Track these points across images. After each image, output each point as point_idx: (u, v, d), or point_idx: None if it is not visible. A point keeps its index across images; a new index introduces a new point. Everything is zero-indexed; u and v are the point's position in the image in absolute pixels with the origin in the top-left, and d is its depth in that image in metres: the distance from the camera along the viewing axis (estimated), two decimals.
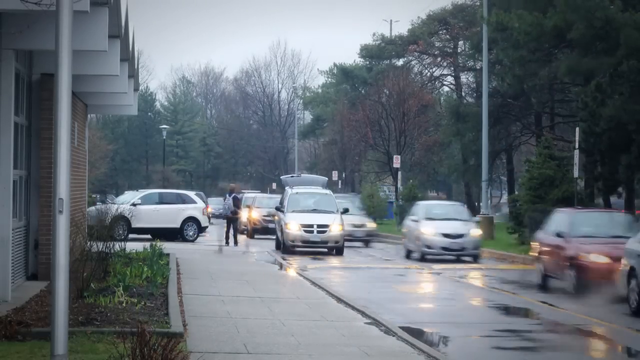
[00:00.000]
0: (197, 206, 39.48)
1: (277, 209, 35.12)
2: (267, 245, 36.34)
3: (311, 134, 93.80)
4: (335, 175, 68.75)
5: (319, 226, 31.85)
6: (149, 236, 35.71)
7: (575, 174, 30.41)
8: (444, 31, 70.92)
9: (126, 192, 53.04)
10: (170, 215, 38.43)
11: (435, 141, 65.06)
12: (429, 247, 29.77)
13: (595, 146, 32.43)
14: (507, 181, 64.64)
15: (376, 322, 14.81)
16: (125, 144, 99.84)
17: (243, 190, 59.74)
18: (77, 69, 14.61)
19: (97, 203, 39.06)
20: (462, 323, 16.03)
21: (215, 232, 39.19)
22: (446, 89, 75.95)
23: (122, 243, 20.99)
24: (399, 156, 55.82)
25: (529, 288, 22.28)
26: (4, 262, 15.06)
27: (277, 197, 42.81)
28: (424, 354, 12.14)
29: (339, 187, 75.07)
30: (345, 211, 34.94)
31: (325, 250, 32.51)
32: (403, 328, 14.33)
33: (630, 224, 21.72)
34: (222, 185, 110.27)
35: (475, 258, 30.05)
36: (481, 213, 43.34)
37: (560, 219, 22.74)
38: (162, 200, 39.56)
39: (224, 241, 34.75)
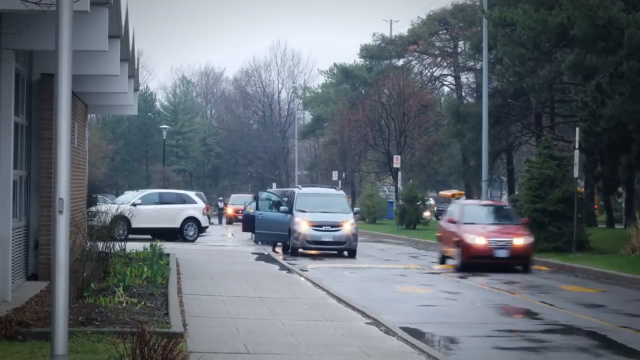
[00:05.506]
0: (197, 206, 39.51)
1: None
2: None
3: (311, 134, 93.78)
4: (335, 175, 68.74)
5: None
6: (149, 236, 35.71)
7: (575, 174, 30.40)
8: (444, 31, 70.94)
9: (126, 192, 53.06)
10: (170, 215, 38.44)
11: (436, 141, 65.05)
12: None
13: (595, 146, 32.43)
14: (507, 181, 64.59)
15: (376, 322, 14.81)
16: (125, 144, 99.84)
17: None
18: (77, 69, 14.63)
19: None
20: (462, 323, 16.01)
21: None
22: (446, 89, 76.00)
23: (122, 243, 20.98)
24: (399, 156, 55.80)
25: (529, 288, 22.27)
26: (4, 262, 15.06)
27: None
28: (424, 354, 12.14)
29: (339, 187, 75.06)
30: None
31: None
32: (403, 328, 14.33)
33: None
34: (223, 185, 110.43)
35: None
36: None
37: None
38: (162, 200, 39.56)
39: None
